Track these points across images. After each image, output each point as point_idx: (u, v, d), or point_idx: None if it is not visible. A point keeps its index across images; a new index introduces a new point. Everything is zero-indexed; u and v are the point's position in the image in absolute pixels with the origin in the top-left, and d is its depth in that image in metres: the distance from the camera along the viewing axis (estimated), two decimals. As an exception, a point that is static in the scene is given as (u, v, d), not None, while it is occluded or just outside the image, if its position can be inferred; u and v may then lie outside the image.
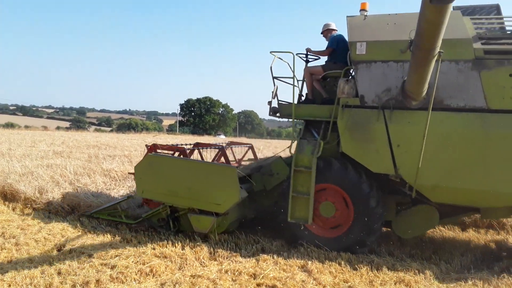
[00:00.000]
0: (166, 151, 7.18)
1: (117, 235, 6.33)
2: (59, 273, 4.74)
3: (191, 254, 5.52)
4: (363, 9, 6.27)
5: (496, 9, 6.41)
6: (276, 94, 6.67)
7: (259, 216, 7.13)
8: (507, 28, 5.89)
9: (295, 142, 6.43)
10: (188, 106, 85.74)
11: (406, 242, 6.66)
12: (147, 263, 5.06)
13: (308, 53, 7.25)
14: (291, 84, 6.50)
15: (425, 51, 4.67)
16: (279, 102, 6.77)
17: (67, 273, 4.73)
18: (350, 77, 6.39)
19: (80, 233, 6.32)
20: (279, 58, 6.45)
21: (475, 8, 6.44)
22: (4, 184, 8.76)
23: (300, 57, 7.23)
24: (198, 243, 5.99)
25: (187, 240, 6.15)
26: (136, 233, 6.49)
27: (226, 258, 5.49)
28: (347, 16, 6.26)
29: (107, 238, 6.18)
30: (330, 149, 6.37)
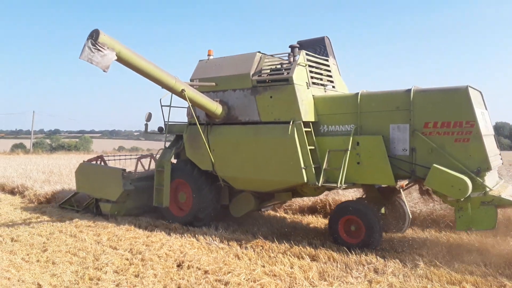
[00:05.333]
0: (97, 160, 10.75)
1: (229, 252, 6.60)
2: (179, 288, 5.09)
3: (300, 273, 5.48)
4: (209, 55, 8.62)
5: (322, 40, 8.70)
6: (150, 118, 8.94)
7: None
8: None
9: (161, 151, 9.22)
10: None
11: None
12: (257, 280, 5.17)
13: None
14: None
15: (168, 89, 7.31)
16: (165, 122, 9.00)
17: (186, 288, 5.06)
18: None
19: (196, 249, 6.73)
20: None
21: (313, 41, 8.75)
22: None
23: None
24: (307, 262, 5.93)
25: (296, 258, 6.14)
26: (246, 250, 6.68)
27: (336, 278, 5.34)
28: (199, 60, 8.63)
29: (220, 254, 6.48)
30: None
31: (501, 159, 6.98)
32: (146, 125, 9.08)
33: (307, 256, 6.21)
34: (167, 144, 9.28)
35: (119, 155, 12.74)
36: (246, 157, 7.63)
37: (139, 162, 10.83)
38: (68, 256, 6.43)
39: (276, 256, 6.28)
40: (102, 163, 10.73)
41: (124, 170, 9.48)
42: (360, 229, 6.74)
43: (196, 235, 7.60)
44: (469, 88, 6.20)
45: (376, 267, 5.72)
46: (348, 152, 6.72)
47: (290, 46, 7.54)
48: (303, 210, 9.82)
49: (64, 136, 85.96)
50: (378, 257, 6.11)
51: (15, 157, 31.58)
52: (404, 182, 6.72)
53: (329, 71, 8.36)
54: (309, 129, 7.14)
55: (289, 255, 6.30)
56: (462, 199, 6.02)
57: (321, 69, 8.14)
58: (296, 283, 5.17)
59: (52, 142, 57.85)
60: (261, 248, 6.76)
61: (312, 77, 7.67)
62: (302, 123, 6.99)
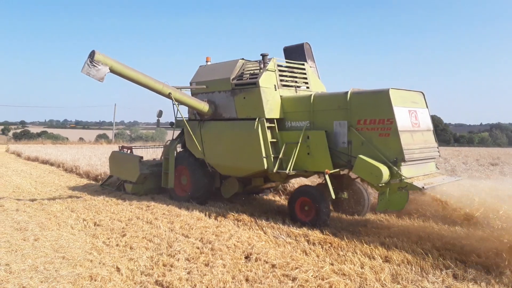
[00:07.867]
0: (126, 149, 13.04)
1: (296, 247, 6.55)
2: (247, 280, 5.14)
3: (371, 274, 5.26)
4: (207, 61, 10.08)
5: (302, 46, 10.08)
6: (161, 114, 10.30)
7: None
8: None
9: (169, 142, 10.91)
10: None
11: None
12: (326, 278, 5.05)
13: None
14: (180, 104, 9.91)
15: (157, 93, 8.83)
16: (176, 118, 10.40)
17: (254, 281, 5.10)
18: None
19: (263, 242, 6.76)
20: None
21: (295, 47, 10.21)
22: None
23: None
24: (379, 263, 5.69)
25: (366, 258, 5.91)
26: (314, 246, 6.57)
27: (411, 282, 5.04)
28: (200, 66, 10.13)
29: (287, 249, 6.44)
30: None
31: (438, 152, 7.95)
32: (158, 120, 10.58)
33: (379, 257, 5.94)
34: (175, 136, 11.03)
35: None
36: (226, 148, 9.19)
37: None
38: (144, 242, 6.79)
39: (346, 254, 6.10)
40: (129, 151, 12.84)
41: (141, 157, 11.65)
42: (311, 208, 7.89)
43: (264, 228, 7.64)
44: (391, 90, 7.12)
45: (456, 273, 5.31)
46: (299, 144, 8.02)
47: (261, 55, 8.76)
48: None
49: (142, 128, 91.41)
50: (457, 262, 5.68)
51: (99, 146, 34.24)
52: (329, 170, 7.59)
53: (304, 73, 9.53)
54: (273, 125, 8.53)
55: (359, 254, 6.08)
56: (382, 185, 6.95)
57: (294, 72, 9.35)
58: (366, 284, 4.96)
59: (131, 133, 61.82)
60: (329, 245, 6.61)
61: (281, 80, 8.89)
62: (265, 120, 8.39)
